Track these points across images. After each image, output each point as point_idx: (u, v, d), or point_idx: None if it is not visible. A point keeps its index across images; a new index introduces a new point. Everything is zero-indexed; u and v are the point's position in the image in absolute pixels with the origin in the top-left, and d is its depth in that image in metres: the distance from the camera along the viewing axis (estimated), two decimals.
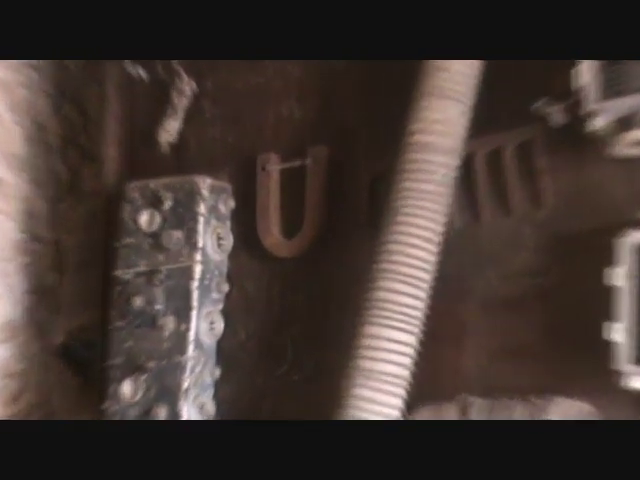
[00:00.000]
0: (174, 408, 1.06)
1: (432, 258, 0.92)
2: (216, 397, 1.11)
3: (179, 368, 1.09)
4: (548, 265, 0.95)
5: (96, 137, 1.33)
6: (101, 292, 1.23)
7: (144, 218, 1.15)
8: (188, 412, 1.07)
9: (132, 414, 1.08)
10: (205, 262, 1.12)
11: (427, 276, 0.91)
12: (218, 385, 1.12)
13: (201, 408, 1.09)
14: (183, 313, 1.10)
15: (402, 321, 0.89)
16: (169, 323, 1.10)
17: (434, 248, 0.92)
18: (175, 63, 1.19)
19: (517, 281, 0.97)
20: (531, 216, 0.97)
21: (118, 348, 1.12)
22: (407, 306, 0.89)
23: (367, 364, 0.88)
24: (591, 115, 0.87)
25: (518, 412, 0.88)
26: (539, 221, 0.97)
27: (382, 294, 0.90)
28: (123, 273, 1.14)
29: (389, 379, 0.88)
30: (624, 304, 0.86)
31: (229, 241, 1.16)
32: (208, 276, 1.13)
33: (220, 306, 1.15)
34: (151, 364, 1.10)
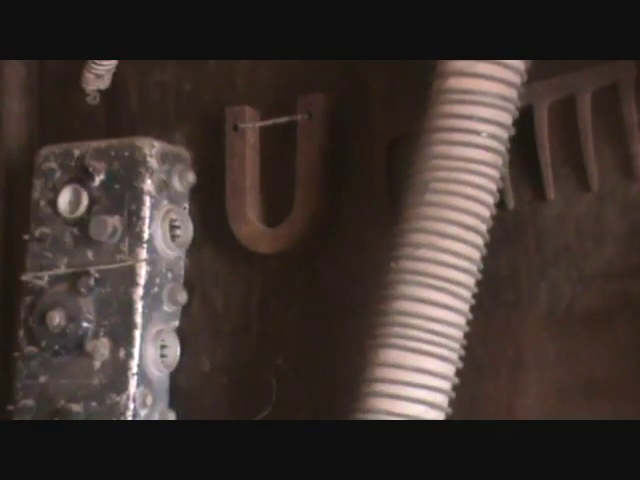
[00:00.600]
0: None
1: (476, 254, 0.92)
2: None
3: (117, 412, 1.10)
4: None
5: None
6: (2, 305, 1.25)
7: (65, 199, 1.15)
8: None
9: None
10: (153, 261, 1.13)
11: (469, 279, 0.92)
12: None
13: None
14: (122, 334, 1.11)
15: (433, 343, 0.90)
16: (102, 348, 1.11)
17: (479, 240, 0.92)
18: None
19: (599, 286, 0.98)
20: (619, 192, 0.98)
21: (27, 384, 1.13)
22: (440, 322, 0.90)
23: (385, 404, 0.89)
24: None
25: None
26: (631, 199, 0.97)
27: (405, 305, 0.90)
28: (35, 277, 1.15)
29: None
30: None
31: (187, 231, 1.17)
32: (158, 281, 1.14)
33: (175, 323, 1.16)
34: (76, 407, 1.11)
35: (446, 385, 0.91)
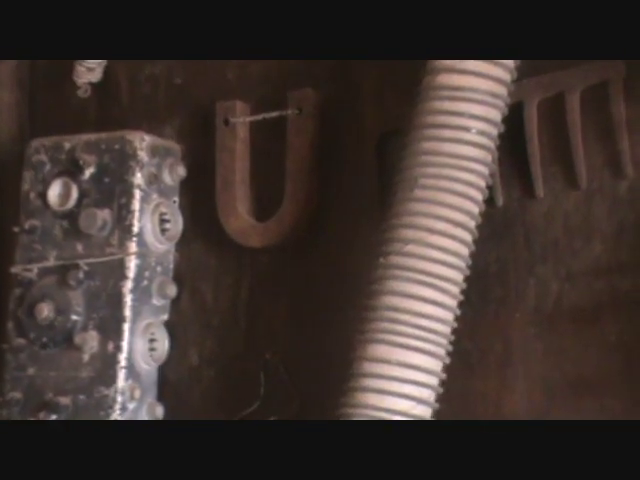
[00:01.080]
0: None
1: (464, 250, 0.93)
2: None
3: (105, 406, 1.10)
4: (632, 261, 0.97)
5: None
6: None
7: (55, 191, 1.16)
8: None
9: None
10: (143, 255, 1.13)
11: (457, 275, 0.92)
12: None
13: None
14: (111, 327, 1.11)
15: (421, 339, 0.90)
16: (90, 341, 1.11)
17: (467, 236, 0.93)
18: None
19: (587, 283, 0.98)
20: (607, 190, 0.98)
21: (15, 377, 1.14)
22: (428, 318, 0.91)
23: (372, 399, 0.90)
24: None
25: None
26: (619, 197, 0.98)
27: (393, 300, 0.91)
28: (24, 270, 1.15)
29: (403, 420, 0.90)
30: None
31: (177, 225, 1.17)
32: (147, 274, 1.14)
33: (164, 317, 1.16)
34: (64, 400, 1.11)
35: (433, 380, 0.92)
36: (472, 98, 0.91)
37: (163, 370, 1.16)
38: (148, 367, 1.14)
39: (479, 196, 0.93)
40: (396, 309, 0.91)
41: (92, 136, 1.16)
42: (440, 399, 0.92)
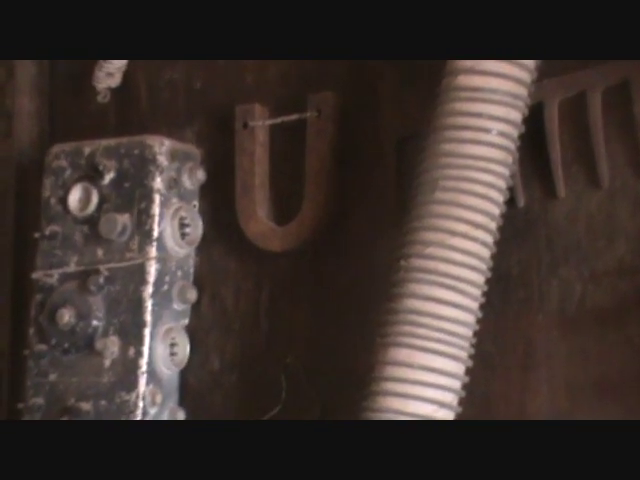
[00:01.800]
0: None
1: (485, 252, 0.92)
2: None
3: (126, 411, 1.10)
4: None
5: (2, 81, 1.34)
6: (11, 302, 1.25)
7: (75, 197, 1.16)
8: None
9: None
10: (163, 259, 1.14)
11: (478, 277, 0.92)
12: None
13: None
14: (132, 332, 1.12)
15: (443, 342, 0.90)
16: (111, 346, 1.11)
17: (488, 237, 0.92)
18: None
19: (610, 284, 0.98)
20: (630, 189, 0.98)
21: (37, 382, 1.14)
22: (450, 320, 0.90)
23: (394, 403, 0.90)
24: None
25: None
26: None
27: (414, 303, 0.91)
28: (45, 275, 1.15)
29: None
30: None
31: (197, 229, 1.17)
32: (167, 279, 1.14)
33: (185, 322, 1.16)
34: (85, 406, 1.11)
35: (456, 384, 0.92)
36: (492, 99, 0.91)
37: (184, 375, 1.16)
38: (169, 372, 1.14)
39: (500, 197, 0.93)
40: (417, 312, 0.91)
41: (112, 141, 1.16)
42: (462, 402, 0.92)
